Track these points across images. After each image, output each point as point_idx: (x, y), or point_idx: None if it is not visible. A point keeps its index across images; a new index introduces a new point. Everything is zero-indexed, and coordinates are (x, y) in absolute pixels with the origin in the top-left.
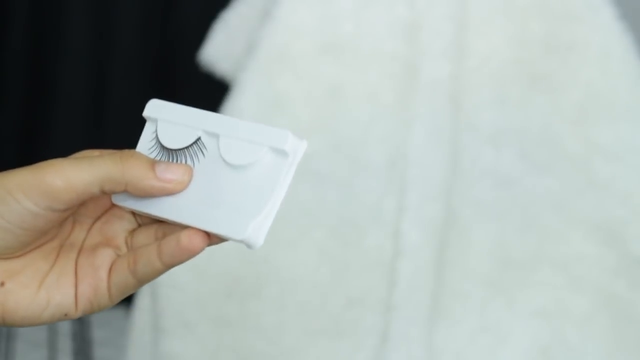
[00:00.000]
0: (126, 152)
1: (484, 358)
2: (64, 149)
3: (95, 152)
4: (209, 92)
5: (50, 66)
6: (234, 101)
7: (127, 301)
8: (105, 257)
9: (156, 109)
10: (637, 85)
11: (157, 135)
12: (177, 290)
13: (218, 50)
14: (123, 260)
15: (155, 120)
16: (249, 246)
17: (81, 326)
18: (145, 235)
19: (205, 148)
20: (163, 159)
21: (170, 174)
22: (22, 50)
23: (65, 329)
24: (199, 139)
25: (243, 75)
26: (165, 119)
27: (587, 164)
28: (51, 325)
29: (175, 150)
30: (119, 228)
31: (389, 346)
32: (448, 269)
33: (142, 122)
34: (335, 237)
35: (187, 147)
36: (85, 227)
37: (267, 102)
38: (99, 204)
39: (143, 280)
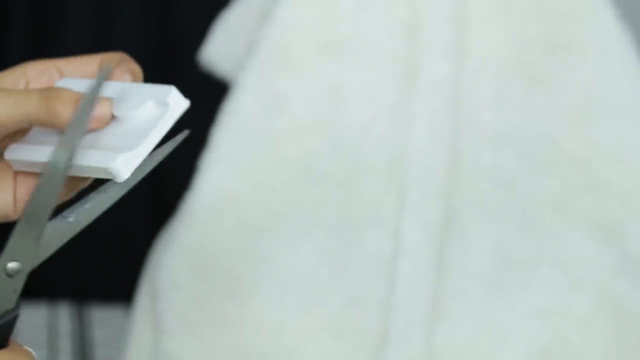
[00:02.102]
0: (52, 92)
1: (484, 358)
2: None
3: (28, 69)
4: (209, 92)
5: None
6: (234, 101)
7: (128, 301)
8: None
9: (65, 83)
10: (637, 85)
11: None
12: (177, 290)
13: (218, 50)
14: None
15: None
16: (114, 177)
17: (81, 326)
18: None
19: None
20: None
21: (97, 108)
22: (22, 50)
23: (65, 329)
24: None
25: (243, 75)
26: (69, 87)
27: (587, 164)
28: (51, 326)
29: None
30: None
31: (389, 346)
32: (448, 269)
33: None
34: (335, 237)
35: None
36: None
37: (267, 102)
38: None
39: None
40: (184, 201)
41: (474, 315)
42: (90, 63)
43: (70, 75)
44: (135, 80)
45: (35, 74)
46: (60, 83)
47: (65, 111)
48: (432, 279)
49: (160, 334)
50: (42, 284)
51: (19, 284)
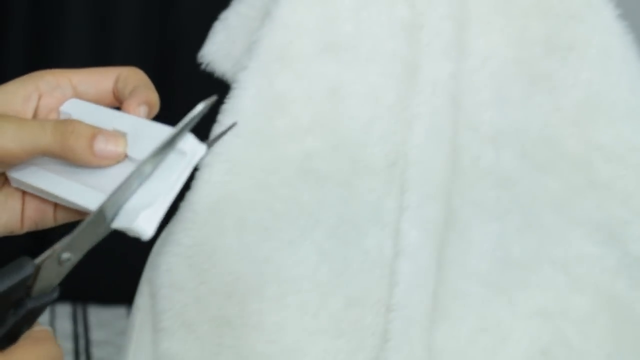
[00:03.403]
0: (67, 127)
1: (484, 358)
2: None
3: (41, 77)
4: (209, 92)
5: (50, 66)
6: (234, 101)
7: (127, 301)
8: None
9: (74, 107)
10: (638, 85)
11: None
12: (177, 290)
13: (218, 50)
14: None
15: (69, 115)
16: (139, 236)
17: (81, 326)
18: None
19: None
20: None
21: (111, 145)
22: (22, 50)
23: (65, 329)
24: None
25: (243, 75)
26: (79, 115)
27: (588, 164)
28: (51, 326)
29: None
30: None
31: (389, 346)
32: (448, 268)
33: None
34: (335, 237)
35: None
36: None
37: (267, 102)
38: None
39: None
40: (184, 201)
41: (474, 315)
42: (105, 79)
43: (84, 90)
44: (151, 110)
45: (48, 89)
46: (68, 106)
47: (80, 147)
48: (432, 279)
49: (160, 334)
50: None
51: (64, 271)
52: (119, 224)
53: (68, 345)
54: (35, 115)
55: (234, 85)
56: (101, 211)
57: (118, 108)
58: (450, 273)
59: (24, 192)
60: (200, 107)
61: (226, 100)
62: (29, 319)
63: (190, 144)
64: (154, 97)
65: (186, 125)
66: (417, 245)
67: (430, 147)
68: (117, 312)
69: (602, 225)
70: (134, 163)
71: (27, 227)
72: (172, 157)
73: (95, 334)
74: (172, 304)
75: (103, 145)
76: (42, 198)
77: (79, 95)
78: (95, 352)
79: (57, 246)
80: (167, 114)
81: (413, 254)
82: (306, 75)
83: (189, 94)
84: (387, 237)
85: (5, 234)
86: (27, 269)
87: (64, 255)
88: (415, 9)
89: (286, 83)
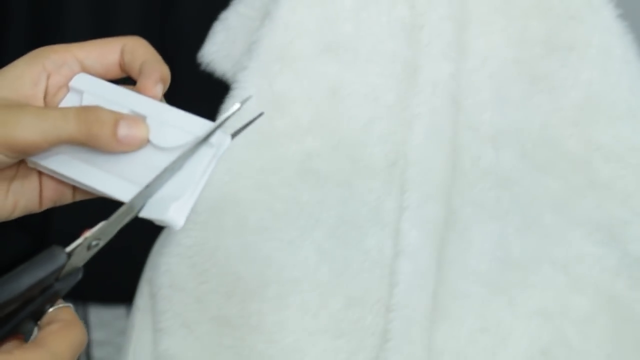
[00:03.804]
0: (90, 115)
1: (484, 358)
2: None
3: (48, 54)
4: (209, 92)
5: None
6: (234, 101)
7: (127, 301)
8: None
9: (83, 82)
10: (638, 85)
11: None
12: (177, 290)
13: (218, 50)
14: None
15: (80, 92)
16: (171, 227)
17: None
18: None
19: None
20: None
21: (135, 130)
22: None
23: None
24: None
25: (243, 75)
26: (92, 93)
27: (587, 164)
28: None
29: None
30: None
31: (389, 346)
32: (448, 269)
33: None
34: (335, 237)
35: None
36: None
37: (267, 102)
38: None
39: None
40: None
41: (474, 315)
42: (110, 52)
43: (91, 65)
44: (165, 86)
45: (55, 68)
46: (78, 80)
47: (104, 135)
48: (432, 279)
49: (160, 334)
50: None
51: (90, 255)
52: (149, 214)
53: None
54: (45, 95)
55: (234, 85)
56: (132, 202)
57: (124, 79)
58: (450, 273)
59: (40, 174)
60: (236, 106)
61: (226, 100)
62: (53, 299)
63: (217, 136)
64: (165, 71)
65: (222, 122)
66: (417, 245)
67: (430, 147)
68: (117, 312)
69: (602, 225)
70: (156, 149)
71: (46, 206)
72: (199, 149)
73: (95, 334)
74: (172, 304)
75: (126, 131)
76: (60, 180)
77: (86, 70)
78: (95, 352)
79: (89, 235)
80: None
81: (413, 254)
82: (306, 76)
83: (189, 94)
84: (387, 237)
85: (24, 214)
86: (60, 259)
87: (94, 242)
88: (415, 10)
89: (286, 83)
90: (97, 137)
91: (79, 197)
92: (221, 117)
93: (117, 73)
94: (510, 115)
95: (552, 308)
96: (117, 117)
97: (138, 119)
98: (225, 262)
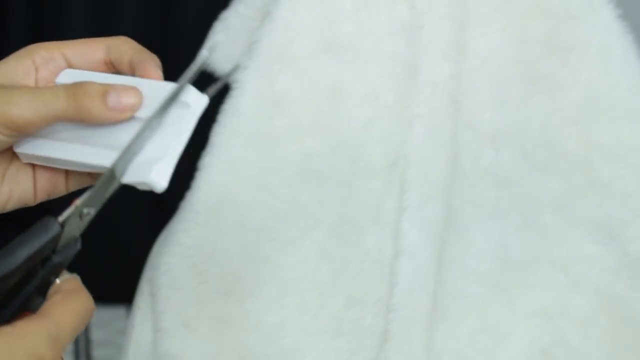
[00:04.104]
0: (79, 89)
1: (484, 358)
2: None
3: (42, 53)
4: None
5: None
6: (234, 101)
7: (127, 301)
8: None
9: (69, 77)
10: (638, 85)
11: None
12: (177, 290)
13: (218, 50)
14: None
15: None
16: (153, 189)
17: None
18: None
19: None
20: None
21: (125, 98)
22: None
23: None
24: None
25: (243, 75)
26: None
27: (587, 164)
28: None
29: None
30: None
31: (389, 346)
32: (448, 268)
33: None
34: (335, 237)
35: None
36: None
37: (267, 102)
38: None
39: None
40: (184, 201)
41: (474, 315)
42: (96, 51)
43: (77, 62)
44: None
45: (43, 62)
46: (63, 76)
47: (94, 105)
48: (432, 279)
49: (160, 334)
50: None
51: (84, 224)
52: (130, 178)
53: (68, 345)
54: (35, 87)
55: (234, 85)
56: (114, 168)
57: None
58: (450, 273)
59: (34, 165)
60: (200, 60)
61: (226, 100)
62: (56, 271)
63: (193, 96)
64: (157, 59)
65: (189, 78)
66: (417, 245)
67: (430, 147)
68: (117, 312)
69: (602, 225)
70: (139, 120)
71: (40, 198)
72: (176, 111)
73: (95, 334)
74: (172, 304)
75: (116, 99)
76: (53, 169)
77: (72, 67)
78: (95, 352)
79: (78, 203)
80: None
81: (413, 254)
82: (306, 75)
83: None
84: (387, 237)
85: (19, 207)
86: (54, 229)
87: (85, 210)
88: (415, 9)
89: (286, 83)
90: (88, 109)
91: (72, 187)
92: (190, 69)
93: (103, 71)
94: (510, 116)
95: (552, 308)
96: (106, 87)
97: (127, 86)
98: (225, 262)
